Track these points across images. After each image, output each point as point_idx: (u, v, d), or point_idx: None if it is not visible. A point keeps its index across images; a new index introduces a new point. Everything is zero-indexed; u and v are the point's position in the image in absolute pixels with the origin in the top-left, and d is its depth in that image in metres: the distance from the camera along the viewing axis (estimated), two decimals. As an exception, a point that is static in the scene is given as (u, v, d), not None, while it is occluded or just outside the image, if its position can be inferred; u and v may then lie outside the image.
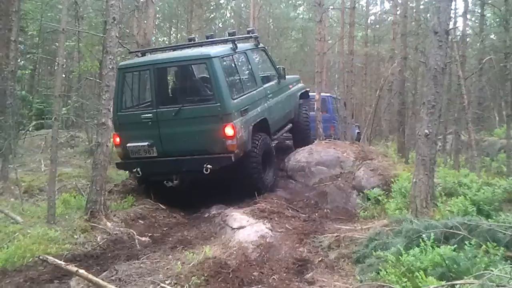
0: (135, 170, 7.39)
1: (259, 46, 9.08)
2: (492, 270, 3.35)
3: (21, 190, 8.28)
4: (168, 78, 8.58)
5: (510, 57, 10.37)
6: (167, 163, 7.24)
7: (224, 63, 7.45)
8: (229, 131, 6.91)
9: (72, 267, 4.26)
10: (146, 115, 7.30)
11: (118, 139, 7.49)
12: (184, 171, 7.24)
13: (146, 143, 7.18)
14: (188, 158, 7.12)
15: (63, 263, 4.46)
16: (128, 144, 7.29)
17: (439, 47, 5.82)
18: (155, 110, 7.26)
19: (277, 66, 9.51)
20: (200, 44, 8.61)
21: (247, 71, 8.37)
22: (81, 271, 4.17)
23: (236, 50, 7.92)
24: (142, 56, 8.28)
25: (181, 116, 7.12)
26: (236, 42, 7.98)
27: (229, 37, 8.03)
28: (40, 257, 4.49)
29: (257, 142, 7.61)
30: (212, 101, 7.13)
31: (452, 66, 12.82)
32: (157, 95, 7.42)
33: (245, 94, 7.72)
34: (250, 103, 7.71)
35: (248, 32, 8.81)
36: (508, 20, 10.31)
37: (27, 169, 10.71)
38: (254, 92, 8.07)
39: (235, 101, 7.26)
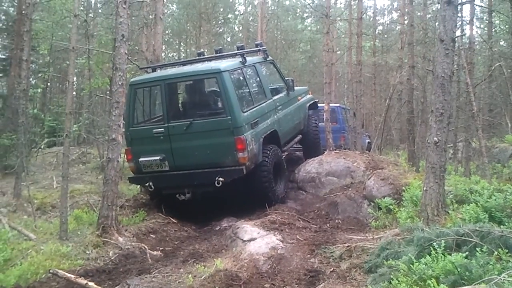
0: (147, 184, 7.44)
1: (267, 59, 9.17)
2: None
3: (34, 207, 8.37)
4: (179, 92, 8.67)
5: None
6: (179, 177, 7.31)
7: (234, 76, 7.55)
8: (240, 143, 6.99)
9: (82, 280, 4.31)
10: (158, 129, 7.40)
11: (130, 154, 7.62)
12: (196, 184, 7.30)
13: (158, 157, 7.29)
14: (200, 172, 7.19)
15: (73, 276, 4.50)
16: (141, 159, 7.40)
17: (446, 55, 5.82)
18: (166, 125, 7.36)
19: (286, 78, 9.64)
20: (209, 59, 8.71)
21: (256, 84, 8.48)
22: (91, 283, 4.20)
23: (245, 64, 8.00)
24: (152, 72, 8.41)
25: (192, 130, 7.21)
26: (245, 56, 8.06)
27: (238, 51, 8.14)
28: (51, 271, 4.54)
29: (268, 154, 7.67)
30: (222, 115, 7.22)
31: (460, 74, 12.76)
32: (168, 109, 7.50)
33: (255, 107, 7.80)
34: (260, 115, 7.80)
35: (256, 45, 8.94)
36: (514, 26, 10.27)
37: (40, 186, 10.81)
38: (264, 104, 8.15)
39: (246, 114, 7.33)
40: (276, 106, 8.62)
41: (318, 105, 11.49)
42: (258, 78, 8.48)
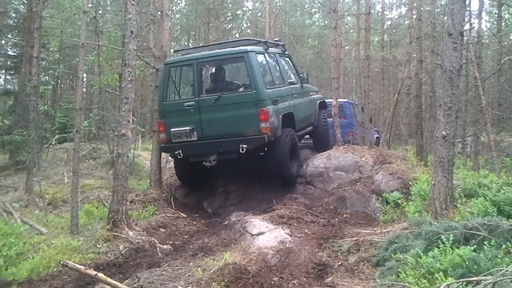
0: (176, 152, 8.13)
1: (285, 53, 10.05)
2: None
3: (45, 202, 8.48)
4: (209, 71, 9.36)
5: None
6: (206, 145, 8.02)
7: (258, 58, 8.33)
8: (263, 115, 7.72)
9: (92, 271, 4.36)
10: (189, 103, 8.15)
11: (162, 126, 8.35)
12: (221, 151, 7.96)
13: (188, 128, 8.02)
14: (225, 140, 7.89)
15: (82, 267, 4.55)
16: (172, 129, 8.10)
17: (454, 48, 5.81)
18: (197, 98, 8.12)
19: (301, 72, 10.52)
20: (236, 42, 9.34)
21: (276, 70, 9.12)
22: (100, 274, 4.25)
23: (268, 51, 8.86)
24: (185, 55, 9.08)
25: (220, 103, 7.95)
26: (267, 44, 9.04)
27: (262, 39, 8.95)
28: (61, 262, 4.60)
29: (287, 135, 8.38)
30: (248, 89, 8.06)
31: (468, 68, 12.68)
32: (199, 85, 8.29)
33: (275, 88, 8.54)
34: (279, 96, 8.52)
35: (276, 41, 10.13)
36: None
37: (51, 182, 10.94)
38: (282, 88, 8.92)
39: (268, 91, 8.10)
40: (292, 93, 9.36)
41: (326, 100, 11.77)
42: (277, 66, 9.18)
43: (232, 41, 9.45)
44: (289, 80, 9.50)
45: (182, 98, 8.69)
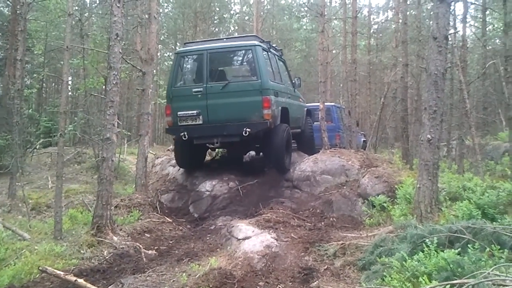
0: (182, 134, 8.62)
1: (282, 57, 10.77)
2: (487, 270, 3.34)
3: (29, 207, 8.36)
4: (219, 61, 9.74)
5: (510, 60, 10.35)
6: (211, 128, 8.61)
7: (264, 53, 8.99)
8: (266, 102, 8.39)
9: (71, 277, 4.30)
10: (197, 89, 8.72)
11: (169, 110, 8.90)
12: (225, 134, 8.57)
13: (194, 112, 8.62)
14: (230, 124, 8.50)
15: (62, 273, 4.48)
16: (179, 112, 8.67)
17: (439, 52, 5.85)
18: (205, 85, 8.68)
19: (294, 77, 11.31)
20: (243, 38, 9.99)
21: (276, 68, 9.75)
22: (80, 280, 4.19)
23: (269, 49, 9.56)
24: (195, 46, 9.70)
25: (227, 90, 8.58)
26: (270, 43, 9.86)
27: (265, 39, 9.85)
28: (40, 268, 4.53)
29: (284, 128, 8.90)
30: (254, 78, 8.65)
31: (453, 72, 12.79)
32: (208, 73, 8.80)
33: (275, 82, 9.22)
34: (278, 90, 9.20)
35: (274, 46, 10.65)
36: (507, 24, 10.31)
37: (35, 187, 10.80)
38: (281, 85, 9.63)
39: (271, 82, 8.77)
40: (288, 92, 10.07)
41: (314, 104, 12.44)
42: (276, 65, 9.84)
43: (239, 37, 10.43)
44: (285, 81, 10.23)
45: (190, 84, 9.22)
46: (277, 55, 10.15)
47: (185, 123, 8.69)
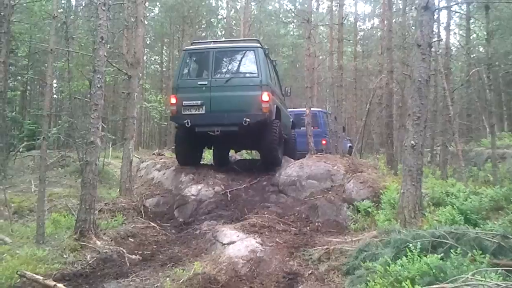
0: (185, 121, 9.22)
1: (275, 68, 11.54)
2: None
3: (11, 211, 8.21)
4: (223, 59, 10.38)
5: (492, 68, 10.51)
6: (213, 117, 9.23)
7: (264, 55, 9.74)
8: (265, 96, 9.17)
9: (50, 282, 4.24)
10: (202, 82, 9.51)
11: (174, 99, 9.52)
12: (225, 123, 9.16)
13: (198, 102, 9.26)
14: (230, 114, 9.13)
15: (41, 277, 4.42)
16: (184, 102, 9.31)
17: (423, 59, 5.92)
18: (210, 79, 9.48)
19: (285, 87, 12.48)
20: (245, 41, 11.14)
21: (272, 73, 10.52)
22: (60, 285, 4.14)
23: (267, 54, 10.27)
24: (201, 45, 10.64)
25: (230, 84, 9.39)
26: (269, 49, 10.64)
27: (265, 46, 10.43)
28: (18, 273, 4.46)
29: (278, 125, 9.64)
30: (255, 75, 9.44)
31: (437, 79, 12.94)
32: (214, 68, 9.62)
33: (272, 83, 9.98)
34: (274, 90, 10.09)
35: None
36: (489, 33, 10.48)
37: (17, 190, 10.61)
38: (275, 88, 10.41)
39: (270, 81, 9.61)
40: (280, 98, 10.87)
41: (300, 109, 12.86)
42: (272, 71, 10.66)
43: (242, 40, 11.54)
44: (278, 87, 11.08)
45: (196, 77, 9.93)
46: (272, 63, 10.97)
47: (189, 112, 9.28)
